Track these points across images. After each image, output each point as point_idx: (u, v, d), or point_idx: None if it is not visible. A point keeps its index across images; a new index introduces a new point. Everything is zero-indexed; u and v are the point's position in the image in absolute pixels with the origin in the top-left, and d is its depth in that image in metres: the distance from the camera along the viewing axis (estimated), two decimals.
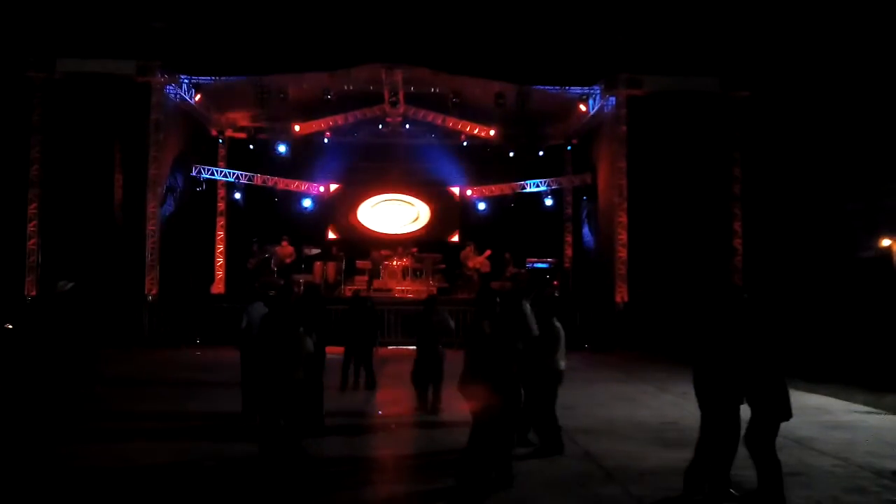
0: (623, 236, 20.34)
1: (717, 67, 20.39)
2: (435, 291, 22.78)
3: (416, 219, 26.96)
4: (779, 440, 8.97)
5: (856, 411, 11.54)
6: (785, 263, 19.64)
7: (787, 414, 6.67)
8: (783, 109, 20.27)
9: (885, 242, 20.66)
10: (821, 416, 11.07)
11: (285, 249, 23.25)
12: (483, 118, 23.48)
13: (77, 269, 18.74)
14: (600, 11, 21.32)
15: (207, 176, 24.49)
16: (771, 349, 6.52)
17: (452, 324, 11.77)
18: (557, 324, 8.60)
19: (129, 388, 12.95)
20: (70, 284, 11.89)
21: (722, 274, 19.85)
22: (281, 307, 8.11)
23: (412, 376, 11.24)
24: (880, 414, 11.37)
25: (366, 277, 23.31)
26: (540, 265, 23.66)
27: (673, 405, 11.57)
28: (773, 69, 20.23)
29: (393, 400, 11.97)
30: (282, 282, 22.32)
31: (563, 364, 8.54)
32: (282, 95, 21.85)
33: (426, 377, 11.02)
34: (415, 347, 11.50)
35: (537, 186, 25.88)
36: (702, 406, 6.82)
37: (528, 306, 7.95)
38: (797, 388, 13.19)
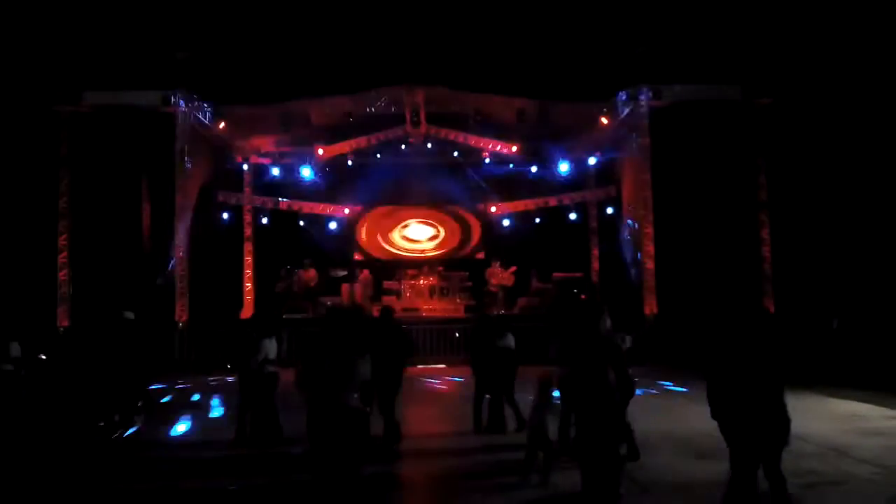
0: (650, 248, 20.24)
1: (738, 75, 20.28)
2: (462, 310, 22.83)
3: (442, 237, 27.01)
4: (816, 448, 8.90)
5: (894, 417, 11.35)
6: (817, 268, 19.41)
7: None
8: (807, 115, 20.10)
9: None
10: (857, 422, 10.91)
11: (308, 273, 23.39)
12: (505, 134, 23.49)
13: (108, 299, 19.01)
14: (619, 23, 21.32)
15: (233, 202, 24.77)
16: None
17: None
18: None
19: (168, 414, 13.02)
20: (131, 314, 12.34)
21: (748, 285, 19.67)
22: (335, 330, 8.00)
23: None
24: None
25: (393, 298, 23.38)
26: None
27: (705, 416, 11.42)
28: (796, 75, 20.07)
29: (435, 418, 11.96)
30: (307, 305, 22.47)
31: None
32: (305, 120, 22.01)
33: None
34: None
35: (561, 201, 25.84)
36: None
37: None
38: (830, 395, 13.04)
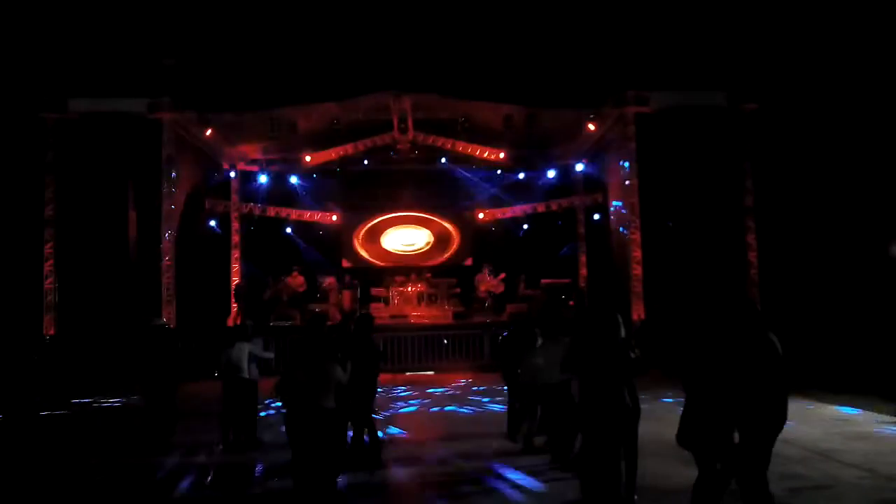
0: (637, 253, 20.29)
1: (724, 81, 20.38)
2: (451, 316, 22.82)
3: (429, 244, 27.02)
4: (802, 452, 8.95)
5: (880, 422, 11.41)
6: (803, 273, 19.49)
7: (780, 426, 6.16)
8: (792, 120, 20.22)
9: None
10: (844, 427, 10.96)
11: (296, 280, 23.40)
12: (493, 141, 23.54)
13: (94, 307, 18.92)
14: (606, 30, 21.39)
15: (221, 209, 24.73)
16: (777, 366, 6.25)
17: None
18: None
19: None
20: (161, 321, 12.56)
21: (736, 288, 19.74)
22: (311, 336, 8.06)
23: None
24: None
25: (381, 304, 23.41)
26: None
27: None
28: (781, 80, 20.19)
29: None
30: (295, 313, 22.44)
31: None
32: (292, 127, 21.98)
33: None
34: None
35: (549, 207, 25.94)
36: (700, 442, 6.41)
37: None
38: (819, 400, 13.10)
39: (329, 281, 23.98)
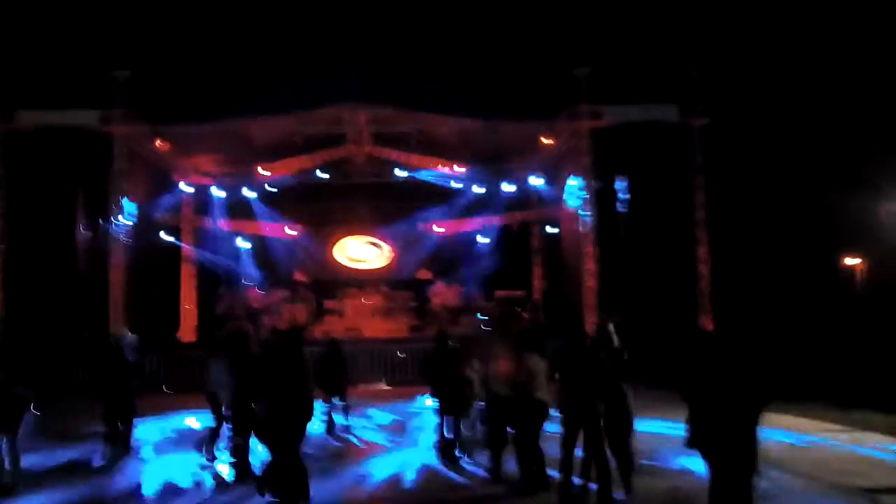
0: (591, 266, 20.43)
1: (675, 96, 20.67)
2: (406, 329, 22.79)
3: (385, 256, 26.98)
4: None
5: (826, 430, 11.65)
6: (752, 286, 19.83)
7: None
8: (742, 134, 20.58)
9: (848, 261, 21.10)
10: (792, 436, 11.15)
11: (251, 293, 23.18)
12: (449, 154, 23.60)
13: (43, 321, 18.56)
14: (561, 46, 21.63)
15: (173, 222, 24.39)
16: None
17: None
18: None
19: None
20: (130, 336, 12.42)
21: (687, 302, 20.02)
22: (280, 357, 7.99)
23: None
24: (849, 431, 11.50)
25: (336, 318, 23.28)
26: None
27: (647, 433, 11.57)
28: (731, 95, 20.55)
29: None
30: (248, 326, 22.17)
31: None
32: (247, 140, 21.81)
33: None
34: None
35: (504, 220, 26.04)
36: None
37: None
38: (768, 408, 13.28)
39: (283, 295, 23.81)
